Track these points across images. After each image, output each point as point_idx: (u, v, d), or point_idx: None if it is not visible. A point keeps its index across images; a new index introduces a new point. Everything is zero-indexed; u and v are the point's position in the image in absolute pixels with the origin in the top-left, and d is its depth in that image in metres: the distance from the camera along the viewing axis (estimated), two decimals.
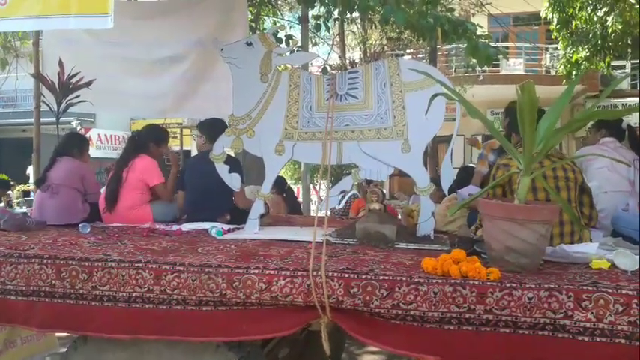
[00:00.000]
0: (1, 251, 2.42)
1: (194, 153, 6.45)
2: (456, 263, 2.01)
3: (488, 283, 1.89)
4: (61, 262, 2.29)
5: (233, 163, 3.25)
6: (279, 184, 3.47)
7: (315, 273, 2.01)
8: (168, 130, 4.98)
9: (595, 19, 8.23)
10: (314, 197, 9.79)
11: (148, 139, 3.81)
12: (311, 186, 8.55)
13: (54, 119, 4.29)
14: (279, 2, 7.73)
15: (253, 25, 6.10)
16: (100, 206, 3.60)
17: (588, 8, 8.26)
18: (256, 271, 2.09)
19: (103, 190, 3.76)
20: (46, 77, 4.37)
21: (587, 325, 1.80)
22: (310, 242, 2.34)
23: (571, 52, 8.95)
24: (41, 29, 4.07)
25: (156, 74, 4.79)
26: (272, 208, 3.39)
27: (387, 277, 1.96)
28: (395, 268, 2.11)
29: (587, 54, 8.66)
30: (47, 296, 2.29)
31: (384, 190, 6.06)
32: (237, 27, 4.47)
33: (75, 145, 3.77)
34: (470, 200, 2.43)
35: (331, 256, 2.29)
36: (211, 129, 3.65)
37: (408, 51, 12.63)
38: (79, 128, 13.75)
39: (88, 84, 4.25)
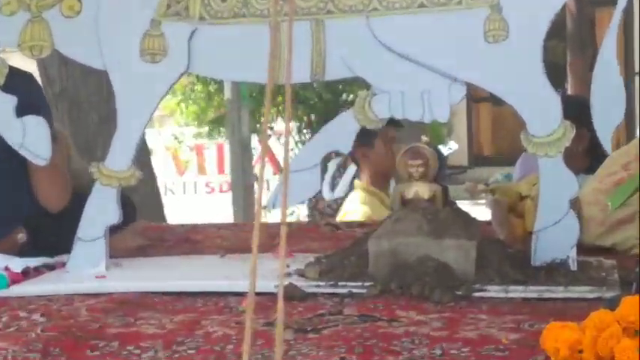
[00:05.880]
0: None
1: None
2: (630, 337, 0.70)
3: None
4: None
5: (29, 89, 1.43)
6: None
7: None
8: None
9: None
10: (257, 169, 4.91)
11: None
12: (254, 138, 4.89)
13: None
14: None
15: None
16: None
17: None
18: None
19: None
20: None
21: None
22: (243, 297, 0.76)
23: None
24: None
25: None
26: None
27: None
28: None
29: None
30: None
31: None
32: None
33: None
34: None
35: (301, 332, 0.86)
36: None
37: None
38: None
39: None
